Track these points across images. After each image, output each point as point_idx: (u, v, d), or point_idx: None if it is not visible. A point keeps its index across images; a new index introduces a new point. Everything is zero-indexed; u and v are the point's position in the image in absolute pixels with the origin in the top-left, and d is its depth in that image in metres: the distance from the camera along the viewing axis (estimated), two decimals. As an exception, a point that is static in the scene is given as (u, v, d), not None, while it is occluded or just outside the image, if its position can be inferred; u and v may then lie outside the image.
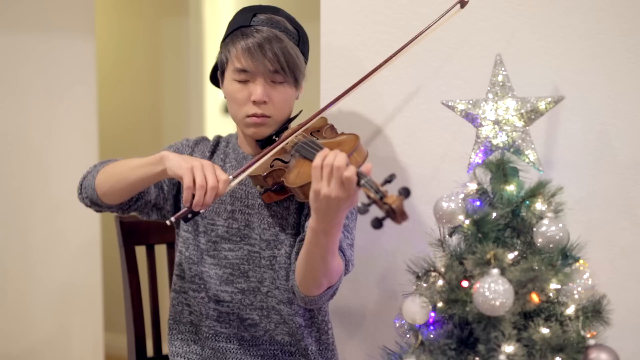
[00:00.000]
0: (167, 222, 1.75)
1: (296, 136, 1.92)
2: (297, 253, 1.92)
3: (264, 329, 2.00)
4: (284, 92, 1.96)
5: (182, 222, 2.06)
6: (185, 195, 1.74)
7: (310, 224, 1.70)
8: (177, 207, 2.06)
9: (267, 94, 1.93)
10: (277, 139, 1.96)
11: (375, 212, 1.54)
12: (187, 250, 2.05)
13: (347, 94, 1.93)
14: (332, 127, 2.02)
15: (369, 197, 1.56)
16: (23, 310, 3.41)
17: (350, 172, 1.59)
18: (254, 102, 1.93)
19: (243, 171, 1.81)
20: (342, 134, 1.97)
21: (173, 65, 4.57)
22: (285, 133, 1.95)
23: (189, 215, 1.75)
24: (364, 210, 1.53)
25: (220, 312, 2.01)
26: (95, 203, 1.98)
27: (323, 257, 1.75)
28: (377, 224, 1.51)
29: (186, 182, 1.73)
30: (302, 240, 1.92)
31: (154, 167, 1.85)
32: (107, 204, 1.98)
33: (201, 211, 1.76)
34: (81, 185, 2.00)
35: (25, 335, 3.42)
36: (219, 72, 2.03)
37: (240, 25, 1.95)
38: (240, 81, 1.94)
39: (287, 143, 1.91)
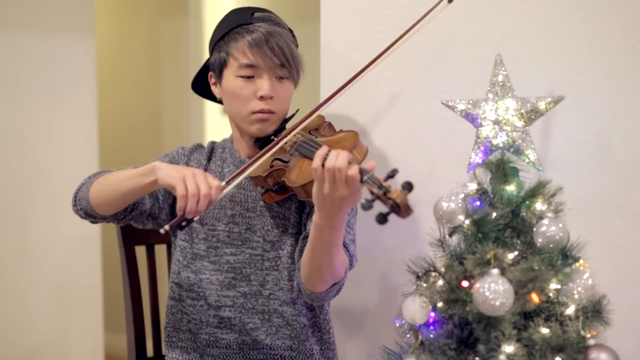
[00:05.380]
0: (161, 231, 1.75)
1: (295, 135, 1.92)
2: (301, 251, 1.93)
3: (265, 333, 2.00)
4: (287, 88, 1.99)
5: (178, 231, 2.06)
6: (179, 204, 1.73)
7: (314, 219, 1.71)
8: (173, 215, 2.05)
9: (273, 89, 1.95)
10: (275, 138, 1.96)
11: (380, 207, 1.54)
12: (185, 259, 2.05)
13: (342, 90, 1.92)
14: (330, 124, 2.03)
15: (372, 193, 1.56)
16: (23, 310, 3.41)
17: (353, 170, 1.59)
18: (261, 98, 1.95)
19: (236, 176, 1.81)
20: (341, 131, 1.97)
21: (173, 65, 4.57)
22: (283, 133, 1.96)
23: (183, 223, 1.75)
24: (367, 206, 1.53)
25: (221, 317, 2.01)
26: (89, 214, 1.98)
27: (328, 252, 1.76)
28: (382, 219, 1.51)
29: (179, 191, 1.73)
30: (305, 238, 1.92)
31: (145, 177, 1.84)
32: (101, 215, 1.98)
33: (195, 218, 1.76)
34: (75, 197, 1.99)
35: (26, 336, 3.42)
36: (211, 74, 2.04)
37: (240, 23, 1.96)
38: (245, 77, 1.95)
39: (286, 142, 1.91)
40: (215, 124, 4.68)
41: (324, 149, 1.65)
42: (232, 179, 1.81)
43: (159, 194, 2.03)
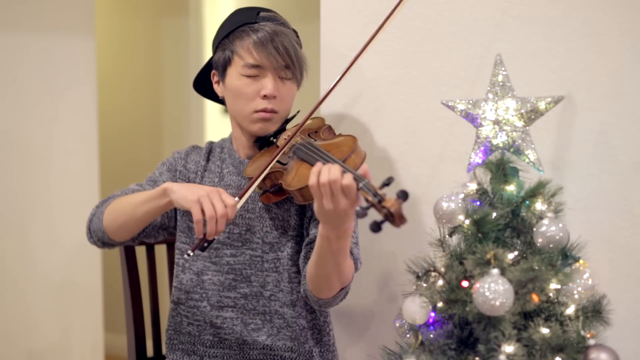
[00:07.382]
0: (185, 256, 1.85)
1: (294, 137, 1.92)
2: (306, 257, 1.93)
3: (267, 334, 2.00)
4: (290, 88, 2.00)
5: (177, 235, 2.07)
6: (197, 228, 1.76)
7: (321, 231, 1.72)
8: (180, 220, 2.07)
9: (276, 89, 1.95)
10: (274, 140, 1.97)
11: (374, 215, 1.54)
12: (187, 261, 2.05)
13: (340, 80, 1.91)
14: (329, 127, 2.03)
15: (367, 200, 1.56)
16: (23, 310, 3.41)
17: (348, 179, 1.60)
18: (265, 97, 1.95)
19: (247, 190, 1.82)
20: (340, 135, 1.97)
21: (173, 65, 4.57)
22: (283, 135, 1.96)
23: (205, 245, 1.78)
24: (362, 214, 1.53)
25: (224, 318, 2.01)
26: (107, 244, 2.02)
27: (336, 261, 1.76)
28: (376, 227, 1.51)
29: (195, 216, 1.75)
30: (309, 244, 1.93)
31: (158, 200, 1.87)
32: (118, 241, 2.02)
33: (215, 238, 1.79)
34: (89, 229, 2.02)
35: (26, 336, 3.42)
36: (214, 73, 2.04)
37: (245, 22, 1.97)
38: (249, 76, 1.96)
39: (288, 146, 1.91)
40: (215, 124, 4.68)
41: (317, 166, 1.65)
42: (243, 193, 1.82)
43: None
